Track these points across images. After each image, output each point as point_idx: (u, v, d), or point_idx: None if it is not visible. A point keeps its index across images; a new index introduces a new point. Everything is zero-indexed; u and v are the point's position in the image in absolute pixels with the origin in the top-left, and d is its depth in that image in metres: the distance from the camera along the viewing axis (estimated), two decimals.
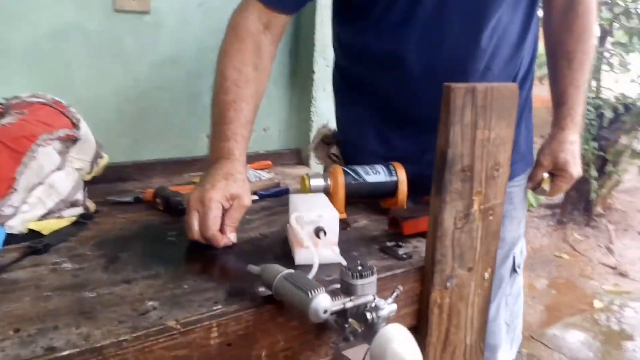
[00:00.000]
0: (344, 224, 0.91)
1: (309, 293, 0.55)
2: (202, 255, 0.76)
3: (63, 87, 1.05)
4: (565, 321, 2.47)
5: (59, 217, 0.82)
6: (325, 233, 0.72)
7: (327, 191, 0.93)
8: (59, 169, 0.81)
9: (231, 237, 0.77)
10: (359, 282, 0.58)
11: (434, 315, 0.74)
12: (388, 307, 0.57)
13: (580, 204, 3.85)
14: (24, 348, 0.51)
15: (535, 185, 1.04)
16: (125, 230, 0.86)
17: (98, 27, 1.09)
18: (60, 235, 0.79)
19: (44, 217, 0.80)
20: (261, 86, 0.91)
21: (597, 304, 2.69)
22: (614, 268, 3.16)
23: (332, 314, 0.57)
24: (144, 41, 1.15)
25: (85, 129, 0.94)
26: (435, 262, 0.72)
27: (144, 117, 1.19)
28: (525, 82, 1.01)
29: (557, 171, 1.01)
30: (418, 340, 0.76)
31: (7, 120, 0.80)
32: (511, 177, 1.00)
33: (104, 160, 1.04)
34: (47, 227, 0.79)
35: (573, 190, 3.70)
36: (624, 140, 3.60)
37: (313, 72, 1.33)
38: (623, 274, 3.07)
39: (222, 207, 0.76)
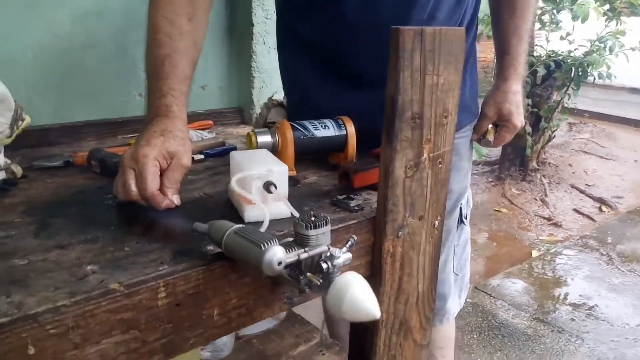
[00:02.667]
0: (294, 181, 0.88)
1: (262, 245, 0.52)
2: (144, 218, 0.71)
3: None
4: (506, 271, 2.60)
5: None
6: (275, 187, 0.69)
7: (275, 148, 0.90)
8: None
9: (174, 199, 0.71)
10: (313, 232, 0.56)
11: (387, 264, 0.74)
12: (343, 255, 0.56)
13: (516, 160, 4.03)
14: None
15: (480, 137, 1.05)
16: (57, 195, 0.80)
17: None
18: None
19: None
20: (198, 38, 0.85)
21: (535, 253, 2.85)
22: (548, 219, 3.35)
23: (286, 266, 0.55)
24: None
25: (2, 90, 0.85)
26: (387, 212, 0.71)
27: (69, 76, 1.09)
28: (468, 32, 1.01)
29: (501, 122, 1.03)
30: (372, 290, 0.77)
31: None
32: (458, 128, 1.01)
33: (25, 123, 0.95)
34: None
35: (509, 146, 3.86)
36: (555, 96, 3.77)
37: (252, 24, 1.26)
38: (557, 224, 3.27)
39: (159, 165, 0.71)
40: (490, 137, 1.03)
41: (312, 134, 0.91)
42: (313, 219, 0.57)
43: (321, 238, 0.57)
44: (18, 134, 0.92)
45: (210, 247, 0.62)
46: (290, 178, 0.89)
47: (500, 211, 3.49)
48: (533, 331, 2.08)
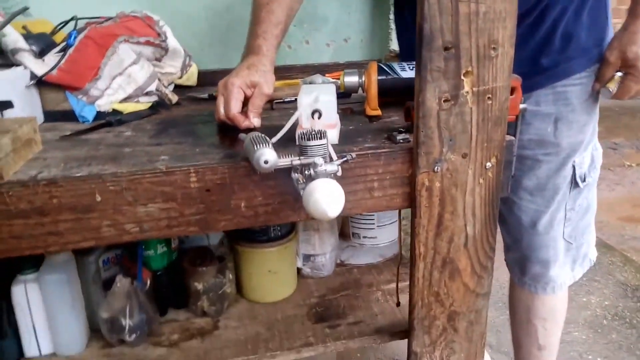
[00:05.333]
0: (373, 119, 0.94)
1: (255, 146, 0.63)
2: (227, 132, 0.88)
3: (160, 5, 1.24)
4: None
5: (137, 102, 1.02)
6: (320, 115, 0.77)
7: (362, 88, 0.97)
8: (134, 63, 1.00)
9: (254, 121, 0.87)
10: (308, 143, 0.64)
11: (422, 197, 0.76)
12: (325, 165, 0.62)
13: None
14: (62, 172, 0.69)
15: (601, 86, 0.91)
16: (187, 116, 1.03)
17: None
18: (135, 115, 0.99)
19: (124, 100, 1.00)
20: None
21: None
22: None
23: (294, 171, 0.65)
24: None
25: (173, 41, 1.12)
26: (420, 144, 0.73)
27: (231, 29, 1.33)
28: None
29: (626, 69, 0.87)
30: (412, 222, 0.80)
31: (102, 25, 1.01)
32: (567, 74, 0.91)
33: (193, 68, 1.22)
34: (127, 108, 1.00)
35: None
36: None
37: None
38: None
39: (243, 93, 0.86)
40: (611, 86, 0.88)
41: (398, 74, 0.95)
42: (312, 132, 0.65)
43: (315, 149, 0.64)
44: (190, 78, 1.20)
45: None
46: (371, 117, 0.96)
47: None
48: None
